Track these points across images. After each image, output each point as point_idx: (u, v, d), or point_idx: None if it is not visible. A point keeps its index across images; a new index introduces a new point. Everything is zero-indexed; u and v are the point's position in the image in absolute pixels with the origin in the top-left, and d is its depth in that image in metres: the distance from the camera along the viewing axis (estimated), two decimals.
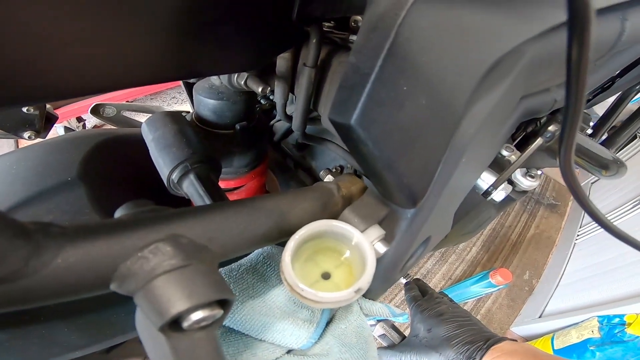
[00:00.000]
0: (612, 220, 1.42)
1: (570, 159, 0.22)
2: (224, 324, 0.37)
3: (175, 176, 0.39)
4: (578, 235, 1.61)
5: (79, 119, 1.76)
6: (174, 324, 0.20)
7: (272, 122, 0.73)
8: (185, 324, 0.20)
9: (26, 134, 0.62)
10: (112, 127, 0.78)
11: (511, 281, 1.24)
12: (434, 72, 0.24)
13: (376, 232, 0.31)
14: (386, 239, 0.32)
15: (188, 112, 0.73)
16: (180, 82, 0.71)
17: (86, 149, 0.55)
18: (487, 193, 0.49)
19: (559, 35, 0.30)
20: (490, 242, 1.66)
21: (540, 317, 1.41)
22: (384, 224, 0.33)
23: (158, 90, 1.80)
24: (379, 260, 0.36)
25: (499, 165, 0.51)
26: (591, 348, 1.13)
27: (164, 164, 0.40)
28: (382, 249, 0.30)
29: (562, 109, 0.21)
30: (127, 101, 1.85)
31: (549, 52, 0.30)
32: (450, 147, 0.27)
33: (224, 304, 0.22)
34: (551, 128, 0.50)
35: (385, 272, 0.37)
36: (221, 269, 0.40)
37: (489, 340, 0.40)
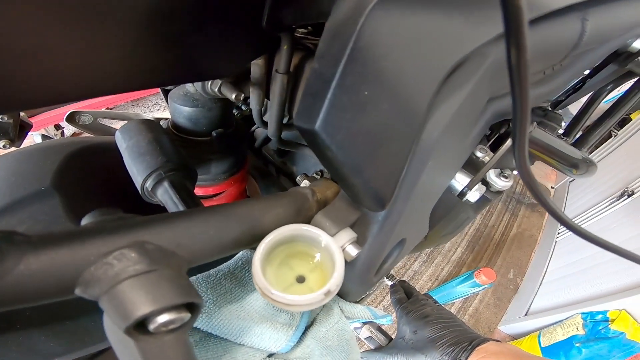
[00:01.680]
0: (588, 218, 1.45)
1: (525, 160, 0.23)
2: (202, 328, 0.36)
3: (149, 184, 0.38)
4: (559, 234, 1.65)
5: (57, 127, 1.72)
6: (141, 327, 0.20)
7: (253, 128, 0.73)
8: (151, 327, 0.20)
9: (0, 143, 0.61)
10: (89, 135, 0.77)
11: (495, 280, 1.26)
12: (394, 77, 0.24)
13: (347, 235, 0.31)
14: (358, 242, 0.33)
15: (168, 119, 0.73)
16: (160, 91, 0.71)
17: (60, 158, 0.54)
18: (462, 194, 0.50)
19: None
20: (474, 242, 1.69)
21: (526, 315, 1.43)
22: (355, 227, 0.33)
23: (139, 96, 1.78)
24: (353, 263, 0.36)
25: (473, 166, 0.52)
26: (577, 345, 1.15)
27: (137, 172, 0.39)
28: (353, 251, 0.31)
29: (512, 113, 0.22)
30: (107, 108, 1.82)
31: None
32: (415, 150, 0.28)
33: (192, 308, 0.22)
34: None
35: (360, 274, 0.37)
36: (199, 274, 0.39)
37: (473, 341, 0.41)
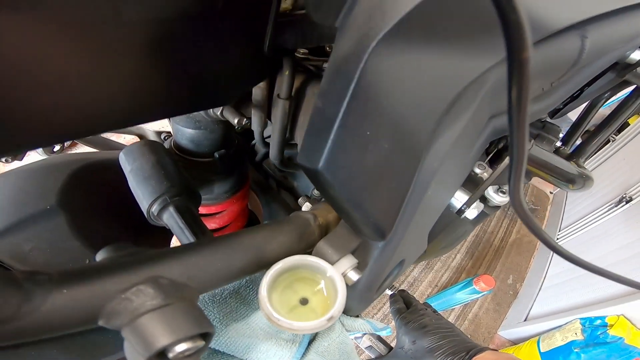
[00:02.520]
0: (586, 224, 1.45)
1: (519, 194, 0.24)
2: (210, 346, 0.38)
3: (155, 209, 0.39)
4: (557, 239, 1.66)
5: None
6: (161, 355, 0.22)
7: (253, 142, 0.74)
8: (171, 355, 0.22)
9: (2, 157, 0.62)
10: (89, 147, 0.78)
11: (494, 287, 1.27)
12: (396, 115, 0.25)
13: (349, 262, 0.32)
14: (359, 267, 0.34)
15: (169, 132, 0.73)
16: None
17: (63, 176, 0.55)
18: (460, 211, 0.51)
19: None
20: (474, 248, 1.70)
21: (525, 320, 1.44)
22: (357, 253, 0.34)
23: None
24: (354, 285, 0.37)
25: (472, 183, 0.53)
26: (576, 350, 1.16)
27: (142, 196, 0.40)
28: (354, 276, 0.32)
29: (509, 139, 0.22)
30: None
31: None
32: (416, 182, 0.28)
33: (205, 336, 0.24)
34: None
35: (360, 294, 0.38)
36: (205, 295, 0.41)
37: (470, 350, 0.42)
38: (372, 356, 0.63)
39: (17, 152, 0.28)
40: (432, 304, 1.58)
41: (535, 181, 2.10)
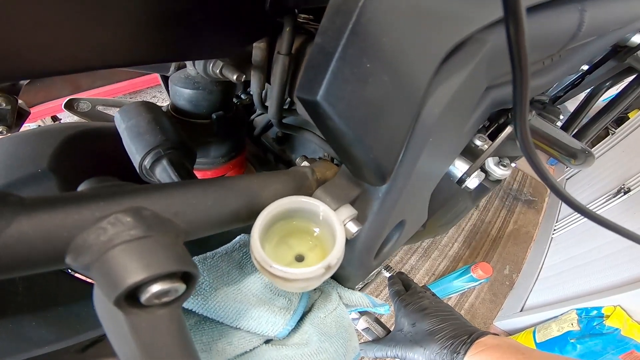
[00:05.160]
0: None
1: (526, 129, 0.23)
2: (197, 311, 0.36)
3: (147, 162, 0.38)
4: (555, 230, 1.66)
5: (54, 118, 1.70)
6: (132, 300, 0.19)
7: (252, 117, 0.73)
8: (143, 298, 0.19)
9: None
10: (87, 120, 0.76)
11: (492, 275, 1.27)
12: (395, 52, 0.24)
13: (348, 211, 0.31)
14: (359, 220, 0.33)
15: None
16: (160, 80, 0.71)
17: (57, 142, 0.54)
18: (461, 181, 0.51)
19: None
20: (471, 237, 1.70)
21: (521, 311, 1.44)
22: (356, 204, 0.33)
23: (138, 89, 1.77)
24: (353, 243, 0.36)
25: (472, 154, 0.52)
26: (572, 341, 1.15)
27: (136, 150, 0.39)
28: (353, 228, 0.31)
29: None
30: None
31: None
32: (416, 127, 0.28)
33: (188, 280, 0.21)
34: None
35: (360, 255, 0.37)
36: (195, 256, 0.39)
37: (472, 334, 0.41)
38: (370, 338, 0.62)
39: (17, 79, 0.26)
40: None
41: (533, 173, 2.10)
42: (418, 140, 0.29)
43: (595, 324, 1.14)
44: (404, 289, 0.54)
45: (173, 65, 0.57)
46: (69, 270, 0.46)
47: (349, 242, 0.36)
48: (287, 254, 0.32)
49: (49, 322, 0.42)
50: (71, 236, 0.19)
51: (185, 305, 0.35)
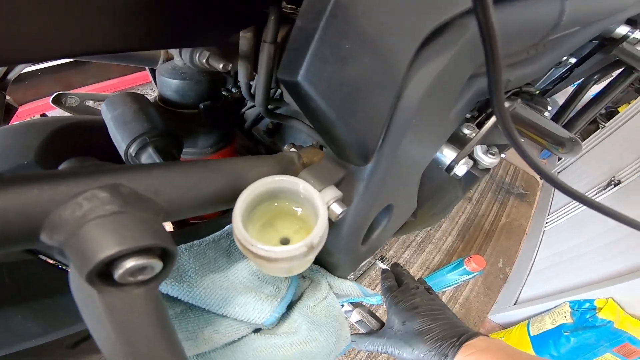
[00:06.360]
0: (575, 208, 1.46)
1: (501, 99, 0.23)
2: (183, 299, 0.36)
3: (133, 149, 0.38)
4: (547, 223, 1.68)
5: (42, 116, 1.69)
6: (106, 277, 0.18)
7: (243, 110, 0.73)
8: (117, 274, 0.18)
9: None
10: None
11: (485, 267, 1.28)
12: (374, 34, 0.25)
13: (332, 192, 0.31)
14: (344, 202, 0.33)
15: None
16: (150, 78, 0.70)
17: (44, 135, 0.53)
18: (450, 168, 0.51)
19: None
20: (464, 231, 1.71)
21: (515, 304, 1.45)
22: (341, 187, 0.33)
23: (129, 86, 1.76)
24: (339, 226, 0.36)
25: (460, 142, 0.53)
26: (565, 333, 1.15)
27: (121, 139, 0.39)
28: (338, 209, 0.31)
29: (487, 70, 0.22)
30: None
31: None
32: (398, 107, 0.28)
33: (166, 258, 0.20)
34: (506, 105, 0.52)
35: (347, 239, 0.37)
36: (182, 245, 0.39)
37: (462, 336, 0.40)
38: (364, 331, 0.62)
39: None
40: None
41: (525, 166, 2.12)
42: (400, 120, 0.29)
43: (588, 316, 1.14)
44: (396, 285, 0.54)
45: (161, 58, 0.56)
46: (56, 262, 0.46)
47: (336, 226, 0.36)
48: (272, 238, 0.32)
49: (36, 314, 0.41)
50: (46, 212, 0.19)
51: (171, 292, 0.35)
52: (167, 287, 0.34)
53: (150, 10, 0.30)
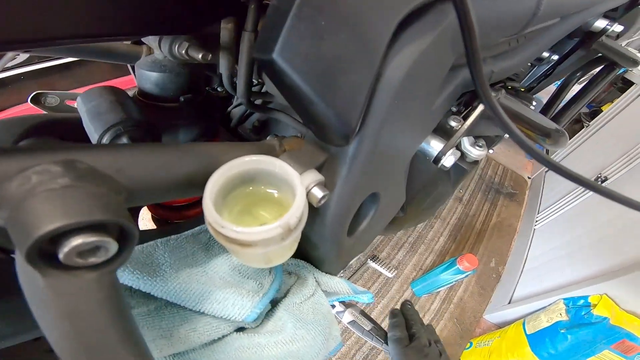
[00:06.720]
0: (564, 206, 1.47)
1: (481, 70, 0.22)
2: (157, 295, 0.34)
3: (106, 139, 0.36)
4: (537, 222, 1.68)
5: None
6: (51, 258, 0.16)
7: (229, 109, 0.72)
8: (62, 253, 0.15)
9: None
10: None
11: (478, 266, 1.27)
12: (351, 10, 0.24)
13: (313, 176, 0.29)
14: (327, 187, 0.31)
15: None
16: (133, 78, 0.69)
17: (20, 131, 0.51)
18: (437, 159, 0.50)
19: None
20: (456, 231, 1.71)
21: (509, 303, 1.44)
22: (323, 172, 0.32)
23: None
24: (323, 213, 0.35)
25: (447, 134, 0.52)
26: (562, 331, 1.14)
27: (94, 130, 0.37)
28: (319, 193, 0.29)
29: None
30: None
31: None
32: (379, 86, 0.28)
33: (123, 239, 0.18)
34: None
35: (331, 228, 0.36)
36: (158, 239, 0.37)
37: None
38: (356, 331, 0.60)
39: None
40: (416, 287, 1.54)
41: (514, 166, 2.15)
42: (381, 101, 0.28)
43: (583, 313, 1.13)
44: (407, 337, 0.52)
45: (143, 55, 0.55)
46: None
47: (319, 213, 0.34)
48: (251, 224, 0.31)
49: (3, 315, 0.39)
50: None
51: (143, 288, 0.33)
52: (139, 281, 0.32)
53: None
